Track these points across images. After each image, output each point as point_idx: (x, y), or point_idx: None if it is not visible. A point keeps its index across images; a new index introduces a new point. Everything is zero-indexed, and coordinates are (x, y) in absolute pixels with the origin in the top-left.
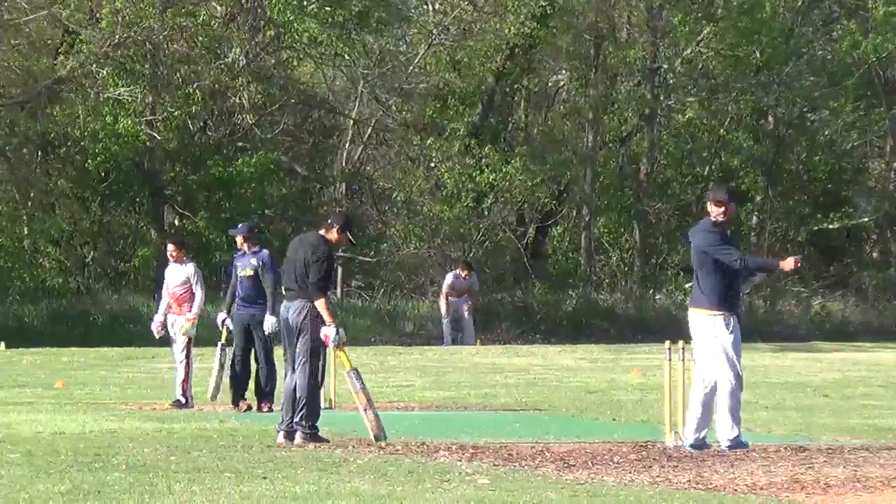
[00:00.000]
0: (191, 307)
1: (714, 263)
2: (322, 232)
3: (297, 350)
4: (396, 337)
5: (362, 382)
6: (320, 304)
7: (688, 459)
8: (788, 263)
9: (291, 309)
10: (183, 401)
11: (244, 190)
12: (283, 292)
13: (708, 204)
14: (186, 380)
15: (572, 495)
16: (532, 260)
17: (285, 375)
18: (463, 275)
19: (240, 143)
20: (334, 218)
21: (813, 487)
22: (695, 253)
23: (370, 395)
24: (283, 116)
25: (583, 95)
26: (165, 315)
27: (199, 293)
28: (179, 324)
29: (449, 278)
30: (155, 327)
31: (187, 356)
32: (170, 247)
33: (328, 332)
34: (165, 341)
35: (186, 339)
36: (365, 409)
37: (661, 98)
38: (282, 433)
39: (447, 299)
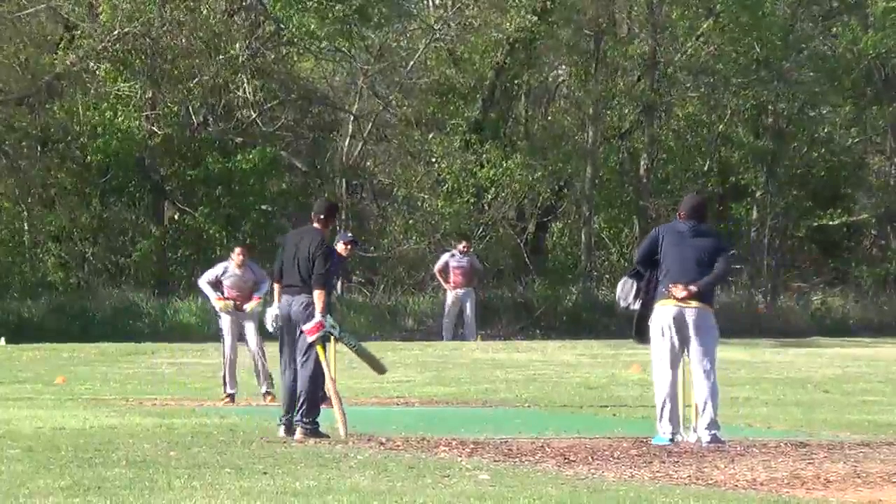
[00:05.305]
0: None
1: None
2: (316, 225)
3: (299, 346)
4: (396, 332)
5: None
6: (320, 295)
7: (688, 455)
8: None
9: (295, 303)
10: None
11: (244, 185)
12: (282, 287)
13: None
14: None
15: (572, 491)
16: (532, 255)
17: (282, 370)
18: (461, 249)
19: (240, 139)
20: (318, 208)
21: (813, 483)
22: (710, 251)
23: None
24: (284, 112)
25: (583, 90)
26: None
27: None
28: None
29: (444, 257)
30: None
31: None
32: (237, 250)
33: (323, 321)
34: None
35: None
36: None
37: (661, 93)
38: (282, 427)
39: (447, 280)
